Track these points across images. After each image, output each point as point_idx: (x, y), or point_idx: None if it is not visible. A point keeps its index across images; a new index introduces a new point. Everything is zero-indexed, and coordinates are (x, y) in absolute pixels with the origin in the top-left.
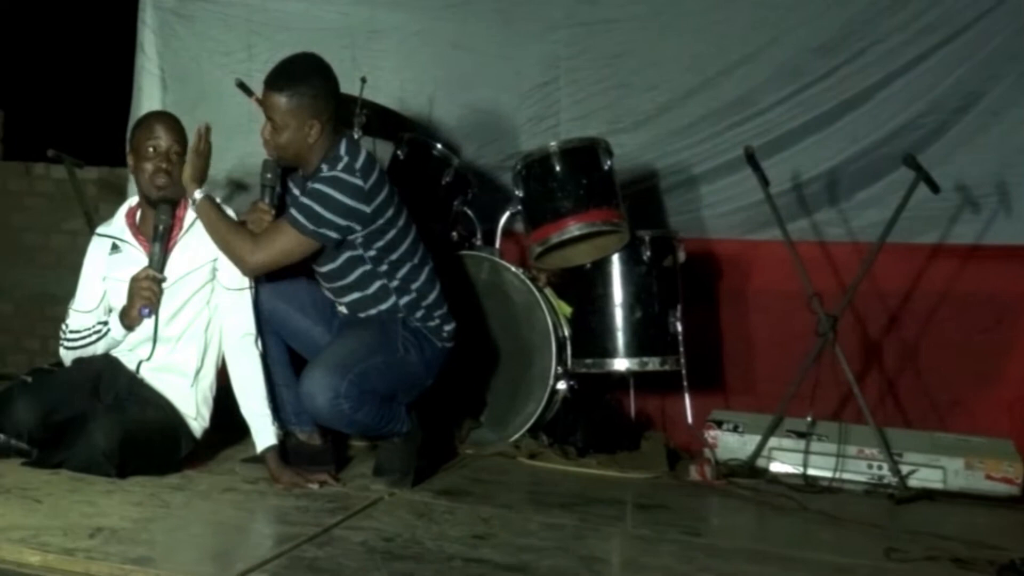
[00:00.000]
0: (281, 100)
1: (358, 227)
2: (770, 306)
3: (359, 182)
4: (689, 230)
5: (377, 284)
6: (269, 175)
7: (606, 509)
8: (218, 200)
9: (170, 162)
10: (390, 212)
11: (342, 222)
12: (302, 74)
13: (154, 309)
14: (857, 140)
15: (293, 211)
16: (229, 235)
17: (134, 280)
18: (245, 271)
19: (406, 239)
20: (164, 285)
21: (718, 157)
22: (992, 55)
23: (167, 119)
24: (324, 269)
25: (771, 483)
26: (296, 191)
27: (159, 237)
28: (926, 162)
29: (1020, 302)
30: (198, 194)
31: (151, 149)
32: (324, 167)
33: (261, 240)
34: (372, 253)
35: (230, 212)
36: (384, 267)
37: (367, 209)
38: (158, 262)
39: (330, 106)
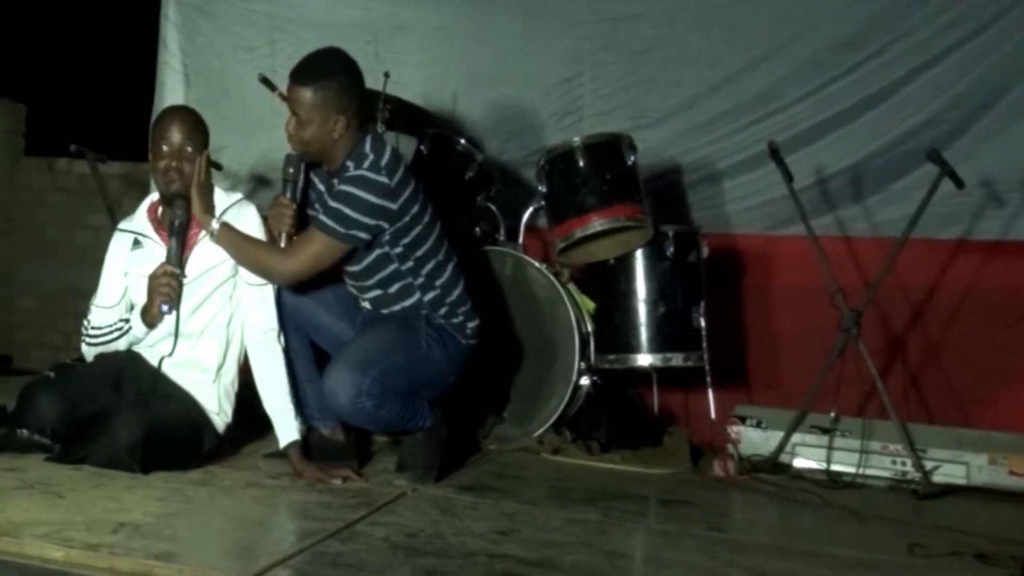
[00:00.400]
0: (306, 94)
1: (386, 225)
2: (793, 301)
3: (385, 179)
4: (712, 225)
5: (402, 281)
6: (291, 170)
7: (629, 504)
8: (241, 196)
9: (181, 160)
10: (415, 208)
11: (371, 221)
12: (328, 68)
13: (174, 305)
14: (881, 135)
15: (322, 217)
16: (256, 253)
17: (152, 277)
18: (281, 283)
19: (431, 235)
20: (186, 281)
21: (741, 152)
22: (1016, 50)
23: (181, 115)
24: (353, 268)
25: (794, 479)
26: (321, 187)
27: (176, 232)
28: (950, 157)
29: None
30: (215, 224)
31: (164, 147)
32: (350, 165)
33: (292, 249)
34: (399, 250)
35: (253, 221)
36: (410, 263)
37: (394, 206)
38: (175, 257)
39: (355, 101)
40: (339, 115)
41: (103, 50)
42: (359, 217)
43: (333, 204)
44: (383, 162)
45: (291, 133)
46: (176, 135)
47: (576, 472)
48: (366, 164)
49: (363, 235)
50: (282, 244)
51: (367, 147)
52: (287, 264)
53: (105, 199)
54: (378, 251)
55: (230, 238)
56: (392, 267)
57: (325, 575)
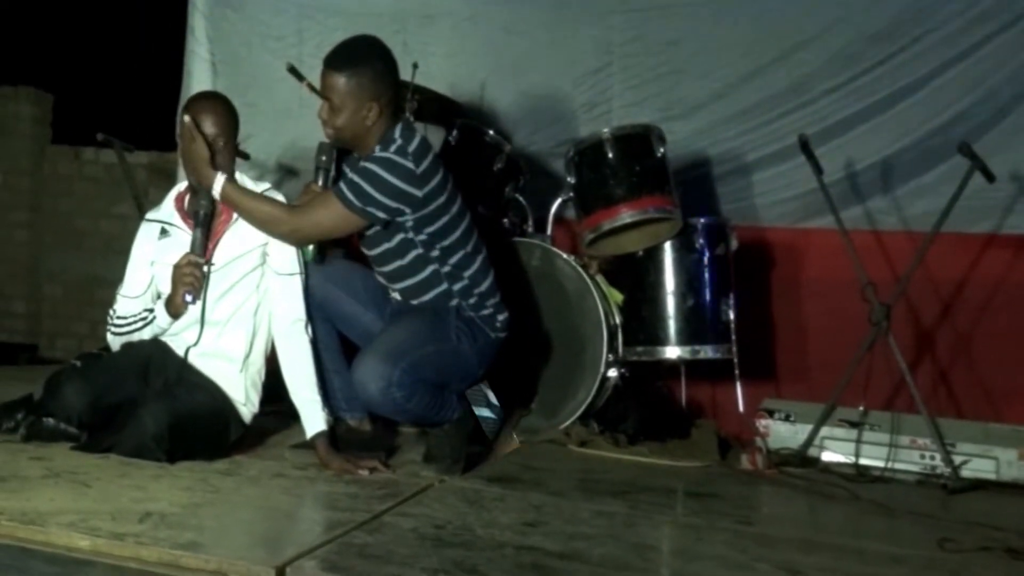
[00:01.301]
0: (340, 80)
1: (408, 210)
2: (823, 295)
3: (411, 165)
4: (742, 218)
5: (429, 270)
6: (324, 157)
7: (657, 497)
8: (269, 185)
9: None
10: (443, 198)
11: (391, 204)
12: (363, 55)
13: (197, 295)
14: (911, 128)
15: (341, 185)
16: (262, 206)
17: (176, 267)
18: (286, 237)
19: (459, 226)
20: (213, 268)
21: (771, 145)
22: None
23: (213, 105)
24: (376, 251)
25: (823, 472)
26: (351, 175)
27: (200, 222)
28: (981, 151)
29: None
30: (220, 179)
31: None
32: (377, 148)
33: (303, 208)
34: (423, 238)
35: (279, 197)
36: (436, 252)
37: (418, 193)
38: (199, 247)
39: (389, 89)
40: (372, 102)
41: (130, 39)
42: (378, 196)
43: (354, 177)
44: (410, 148)
45: (324, 119)
46: (208, 126)
47: (603, 464)
48: (393, 148)
49: (380, 214)
50: None
51: (396, 133)
52: (296, 220)
53: (132, 188)
54: (401, 236)
55: (235, 193)
56: (416, 253)
57: (352, 566)
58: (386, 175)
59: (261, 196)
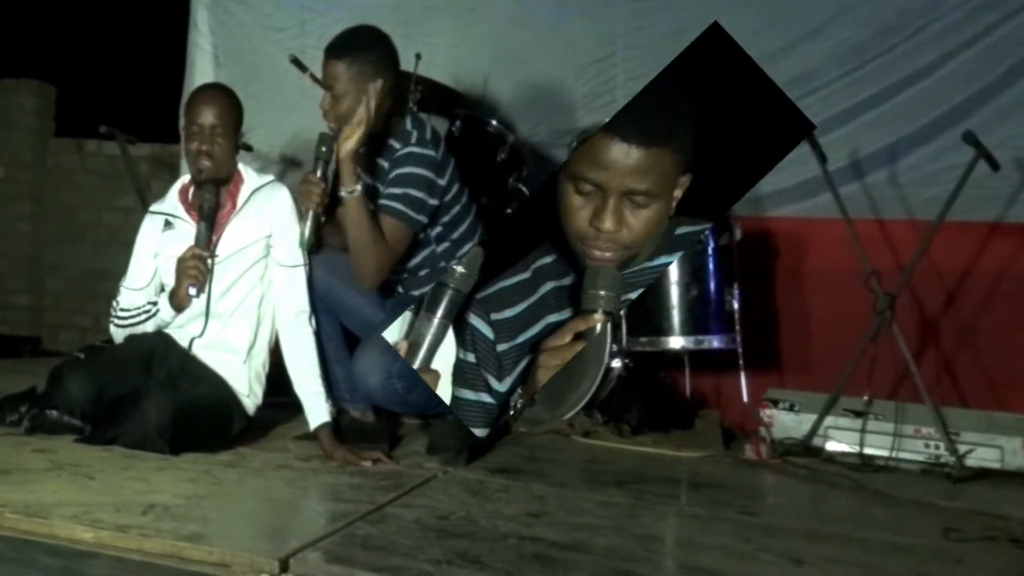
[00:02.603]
0: (342, 67)
1: (436, 201)
2: (827, 284)
3: (432, 152)
4: (746, 208)
5: (435, 263)
6: (324, 148)
7: (661, 488)
8: (272, 177)
9: (213, 142)
10: (456, 186)
11: (432, 201)
12: (364, 42)
13: (202, 288)
14: (916, 118)
15: (397, 205)
16: (373, 248)
17: (180, 260)
18: (370, 286)
19: (468, 216)
20: (217, 261)
21: None
22: None
23: (214, 95)
24: None
25: (827, 462)
26: (391, 188)
27: (205, 216)
28: (985, 140)
29: None
30: (358, 187)
31: (194, 128)
32: (395, 144)
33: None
34: (438, 229)
35: (286, 203)
36: (445, 244)
37: (442, 181)
38: (204, 240)
39: (391, 76)
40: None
41: (133, 31)
42: (423, 196)
43: (398, 191)
44: (427, 136)
45: (326, 109)
46: (207, 116)
47: (607, 455)
48: (413, 139)
49: (425, 218)
50: (308, 222)
51: (408, 125)
52: (383, 271)
53: (134, 180)
54: (422, 231)
55: (363, 215)
56: (428, 249)
57: (356, 557)
58: (418, 170)
59: (381, 236)
